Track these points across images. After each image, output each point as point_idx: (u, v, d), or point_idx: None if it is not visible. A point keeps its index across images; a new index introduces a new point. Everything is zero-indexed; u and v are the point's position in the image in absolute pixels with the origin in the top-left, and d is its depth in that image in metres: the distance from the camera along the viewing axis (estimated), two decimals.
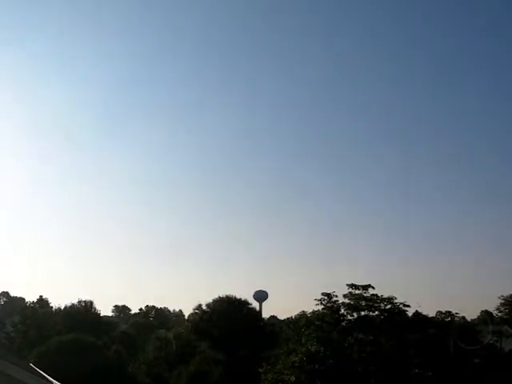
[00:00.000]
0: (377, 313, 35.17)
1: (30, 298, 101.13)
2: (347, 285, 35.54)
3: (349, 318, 35.32)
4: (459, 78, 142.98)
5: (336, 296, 35.13)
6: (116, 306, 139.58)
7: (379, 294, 35.41)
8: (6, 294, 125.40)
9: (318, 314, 34.80)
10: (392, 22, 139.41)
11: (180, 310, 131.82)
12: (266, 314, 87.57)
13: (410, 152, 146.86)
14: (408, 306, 35.89)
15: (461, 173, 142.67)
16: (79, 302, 73.71)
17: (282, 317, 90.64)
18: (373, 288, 35.21)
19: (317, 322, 34.09)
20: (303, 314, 39.36)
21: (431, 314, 39.69)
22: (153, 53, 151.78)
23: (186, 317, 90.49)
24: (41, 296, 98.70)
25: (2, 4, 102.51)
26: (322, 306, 34.91)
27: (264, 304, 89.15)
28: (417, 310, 38.43)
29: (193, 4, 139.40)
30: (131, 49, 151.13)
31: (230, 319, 57.42)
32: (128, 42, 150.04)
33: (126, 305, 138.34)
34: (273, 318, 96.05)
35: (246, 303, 63.84)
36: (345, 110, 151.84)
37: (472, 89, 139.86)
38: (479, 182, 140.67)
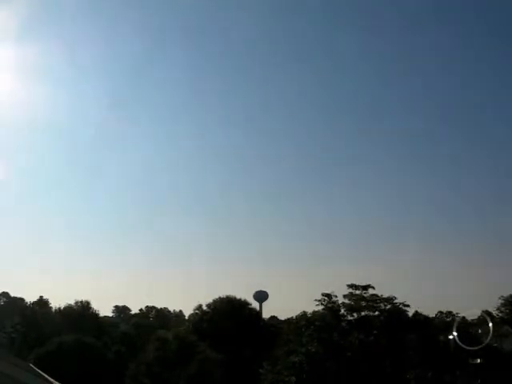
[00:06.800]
0: (377, 313, 35.21)
1: (30, 298, 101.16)
2: (347, 285, 35.60)
3: (349, 318, 35.37)
4: None
5: (336, 296, 35.20)
6: (116, 307, 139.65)
7: (379, 294, 35.46)
8: (5, 294, 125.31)
9: (318, 315, 34.84)
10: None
11: (180, 311, 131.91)
12: (266, 315, 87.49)
13: (409, 152, 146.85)
14: (408, 305, 35.96)
15: (460, 172, 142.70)
16: (76, 302, 73.72)
17: (282, 317, 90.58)
18: (373, 288, 35.26)
19: (317, 323, 34.12)
20: (304, 315, 39.39)
21: (432, 314, 39.75)
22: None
23: (187, 317, 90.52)
24: (41, 296, 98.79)
25: None
26: (323, 307, 34.96)
27: (264, 304, 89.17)
28: (417, 311, 38.52)
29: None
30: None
31: (231, 319, 57.37)
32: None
33: (127, 305, 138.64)
34: (273, 318, 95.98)
35: (246, 303, 63.84)
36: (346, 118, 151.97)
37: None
38: (479, 181, 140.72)
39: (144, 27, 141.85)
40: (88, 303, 74.06)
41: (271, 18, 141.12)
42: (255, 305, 73.94)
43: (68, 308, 73.09)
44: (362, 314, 35.01)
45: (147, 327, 73.86)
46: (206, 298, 65.81)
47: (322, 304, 34.78)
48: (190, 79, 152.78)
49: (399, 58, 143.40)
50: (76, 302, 73.48)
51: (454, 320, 40.38)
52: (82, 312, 71.73)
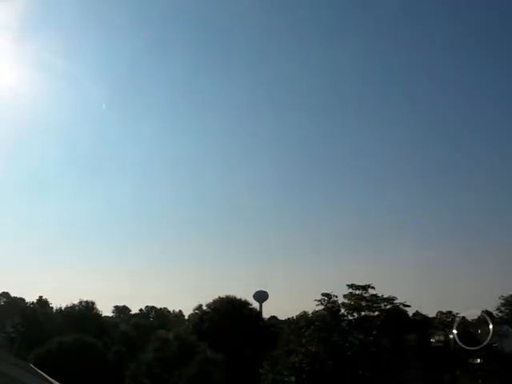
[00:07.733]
0: (377, 313, 35.21)
1: (30, 298, 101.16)
2: (347, 285, 35.61)
3: (349, 318, 35.39)
4: None
5: (336, 296, 35.20)
6: (116, 307, 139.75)
7: (379, 294, 35.48)
8: (6, 294, 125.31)
9: (318, 315, 34.84)
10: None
11: (180, 311, 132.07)
12: (266, 315, 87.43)
13: (409, 153, 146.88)
14: (408, 305, 35.98)
15: (460, 173, 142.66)
16: (80, 302, 73.74)
17: (282, 317, 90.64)
18: (373, 288, 35.26)
19: (317, 323, 34.13)
20: (304, 315, 39.43)
21: (431, 314, 39.79)
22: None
23: (187, 317, 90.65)
24: (40, 296, 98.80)
25: None
26: (323, 307, 34.96)
27: (264, 304, 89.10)
28: (417, 311, 38.57)
29: None
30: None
31: (231, 319, 57.39)
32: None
33: (127, 305, 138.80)
34: (273, 318, 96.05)
35: (246, 303, 63.83)
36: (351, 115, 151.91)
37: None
38: (478, 182, 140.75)
39: (144, 26, 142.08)
40: (93, 303, 74.19)
41: (275, 14, 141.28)
42: (255, 305, 73.97)
43: (69, 308, 73.14)
44: (362, 314, 35.00)
45: (147, 327, 73.93)
46: (206, 298, 65.84)
47: (321, 304, 34.76)
48: (190, 77, 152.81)
49: (403, 56, 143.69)
50: (80, 302, 73.56)
51: (453, 320, 40.38)
52: (84, 312, 71.77)
